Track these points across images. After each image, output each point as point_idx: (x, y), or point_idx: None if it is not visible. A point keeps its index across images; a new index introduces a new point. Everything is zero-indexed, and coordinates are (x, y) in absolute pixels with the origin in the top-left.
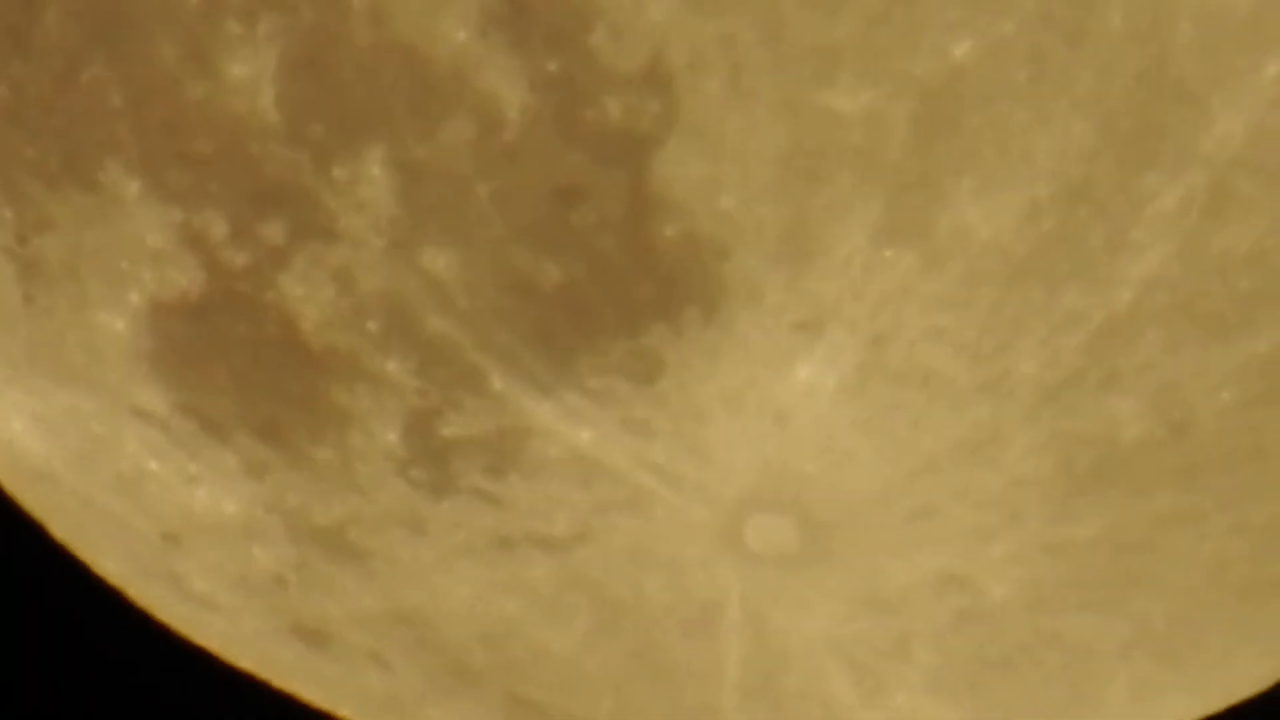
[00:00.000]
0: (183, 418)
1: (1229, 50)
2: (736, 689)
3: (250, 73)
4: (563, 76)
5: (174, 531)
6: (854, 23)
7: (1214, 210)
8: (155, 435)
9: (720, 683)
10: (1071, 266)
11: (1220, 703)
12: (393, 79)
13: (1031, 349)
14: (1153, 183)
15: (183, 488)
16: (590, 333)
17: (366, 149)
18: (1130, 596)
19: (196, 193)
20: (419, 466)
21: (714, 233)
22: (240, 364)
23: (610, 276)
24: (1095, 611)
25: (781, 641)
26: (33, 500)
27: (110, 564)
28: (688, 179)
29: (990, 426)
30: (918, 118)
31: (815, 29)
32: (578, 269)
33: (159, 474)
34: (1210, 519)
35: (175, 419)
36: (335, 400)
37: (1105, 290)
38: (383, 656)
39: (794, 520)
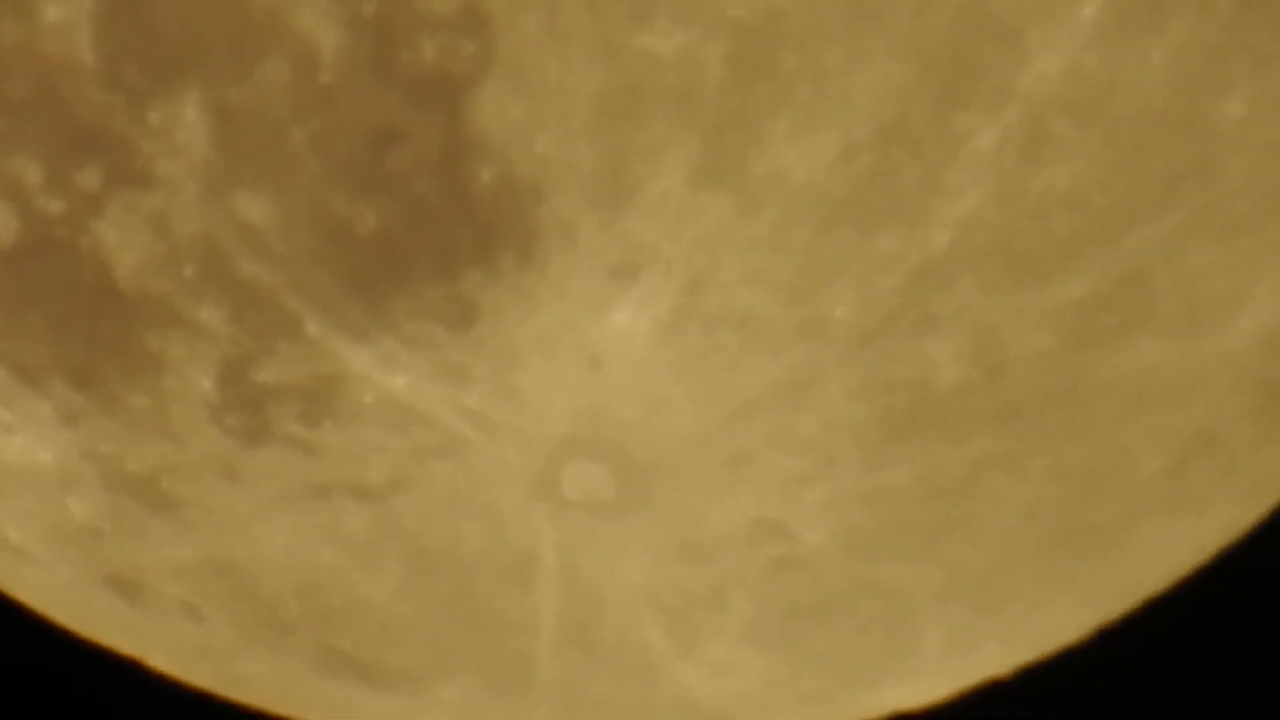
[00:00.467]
0: None
1: None
2: (552, 637)
3: (66, 15)
4: (379, 17)
5: None
6: None
7: (1030, 151)
8: None
9: (536, 631)
10: (887, 208)
11: (1036, 652)
12: (209, 20)
13: (847, 292)
14: (969, 122)
15: None
16: (406, 277)
17: (182, 92)
18: (946, 543)
19: (10, 138)
20: (233, 413)
21: (530, 175)
22: (54, 311)
23: (426, 220)
24: (911, 558)
25: (597, 589)
26: None
27: None
28: (504, 121)
29: (806, 370)
30: (733, 58)
31: None
32: (393, 213)
33: None
34: (1026, 463)
35: None
36: (149, 347)
37: (921, 232)
38: (196, 607)
39: (610, 467)
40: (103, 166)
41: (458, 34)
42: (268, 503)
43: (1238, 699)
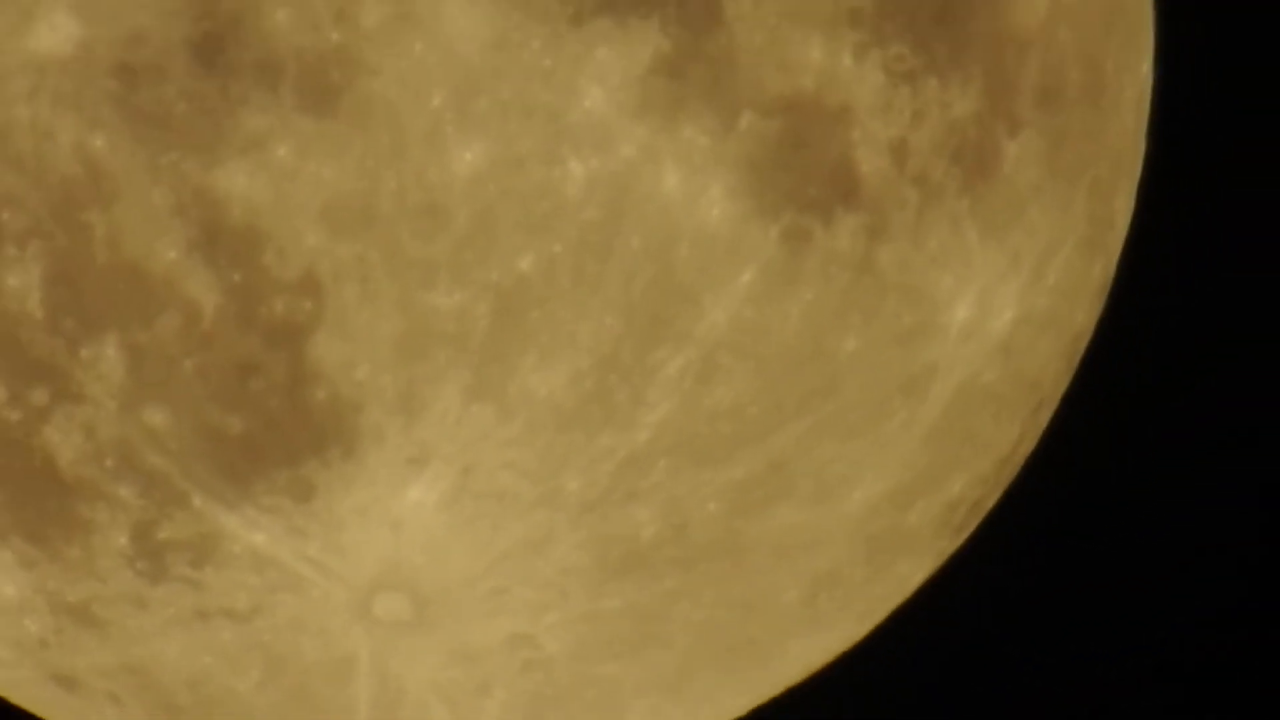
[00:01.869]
0: None
1: (716, 263)
2: (367, 716)
3: (21, 283)
4: (244, 283)
5: None
6: (448, 245)
7: (704, 376)
8: None
9: (355, 713)
10: (604, 416)
11: None
12: (123, 287)
13: (576, 475)
14: (662, 356)
15: None
16: (263, 466)
17: (104, 336)
18: (646, 651)
19: None
20: (142, 561)
21: (351, 395)
22: (13, 489)
23: (277, 426)
24: (622, 661)
25: (399, 684)
26: None
27: None
28: (333, 356)
29: (546, 529)
30: (495, 311)
31: (421, 249)
32: (254, 421)
33: None
34: (702, 595)
35: None
36: (81, 515)
37: (629, 433)
38: (117, 696)
39: (408, 596)
40: (49, 388)
41: (299, 295)
42: (165, 623)
43: None
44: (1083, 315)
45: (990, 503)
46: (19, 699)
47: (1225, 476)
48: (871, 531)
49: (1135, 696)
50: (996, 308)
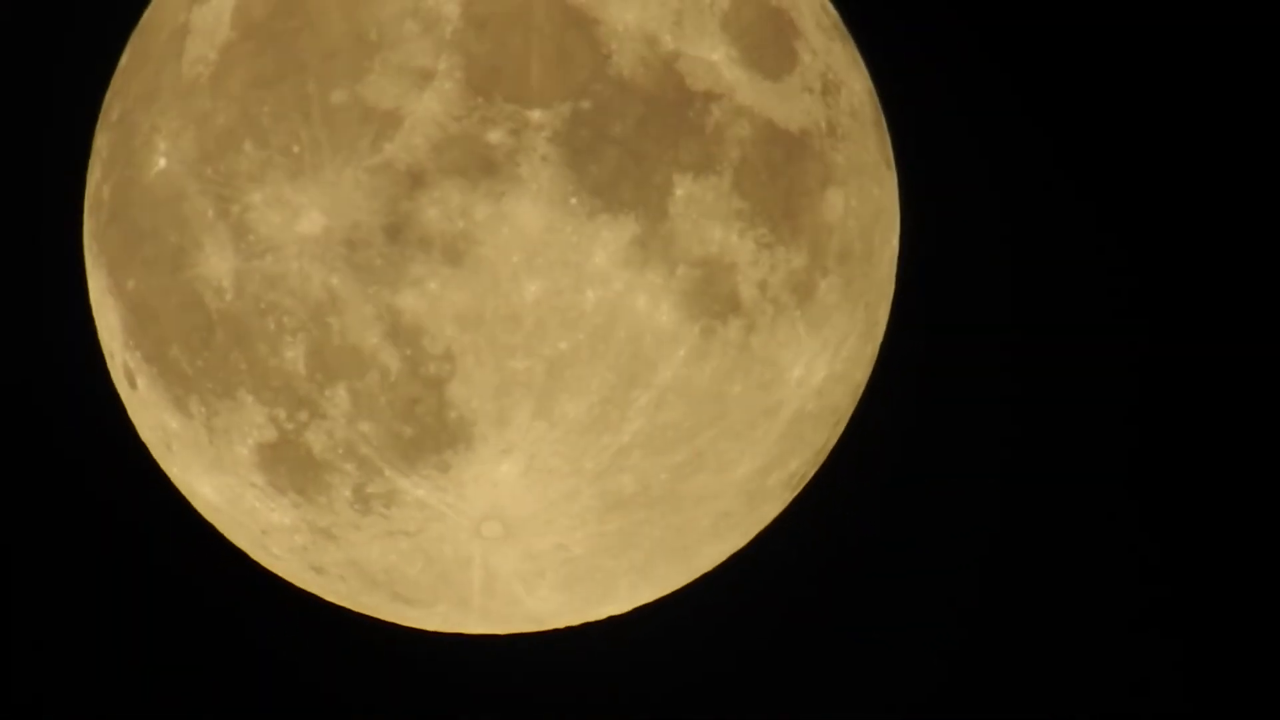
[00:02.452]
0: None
1: (664, 345)
2: (479, 589)
3: (294, 354)
4: (412, 356)
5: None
6: (521, 336)
7: (659, 406)
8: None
9: (471, 587)
10: (605, 427)
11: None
12: (348, 357)
13: (590, 459)
14: (636, 395)
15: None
16: (422, 453)
17: (338, 383)
18: (628, 552)
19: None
20: (358, 504)
21: (469, 416)
22: (289, 467)
23: (430, 433)
24: (614, 557)
25: (495, 571)
26: None
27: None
28: (460, 395)
29: (574, 488)
30: (547, 372)
31: (507, 338)
32: (418, 429)
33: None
34: (657, 523)
35: None
36: (325, 480)
37: (618, 436)
38: (344, 577)
39: (500, 523)
40: (308, 411)
41: (442, 361)
42: (370, 538)
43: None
44: (860, 374)
45: (812, 473)
46: (290, 578)
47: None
48: (749, 489)
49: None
50: (815, 370)
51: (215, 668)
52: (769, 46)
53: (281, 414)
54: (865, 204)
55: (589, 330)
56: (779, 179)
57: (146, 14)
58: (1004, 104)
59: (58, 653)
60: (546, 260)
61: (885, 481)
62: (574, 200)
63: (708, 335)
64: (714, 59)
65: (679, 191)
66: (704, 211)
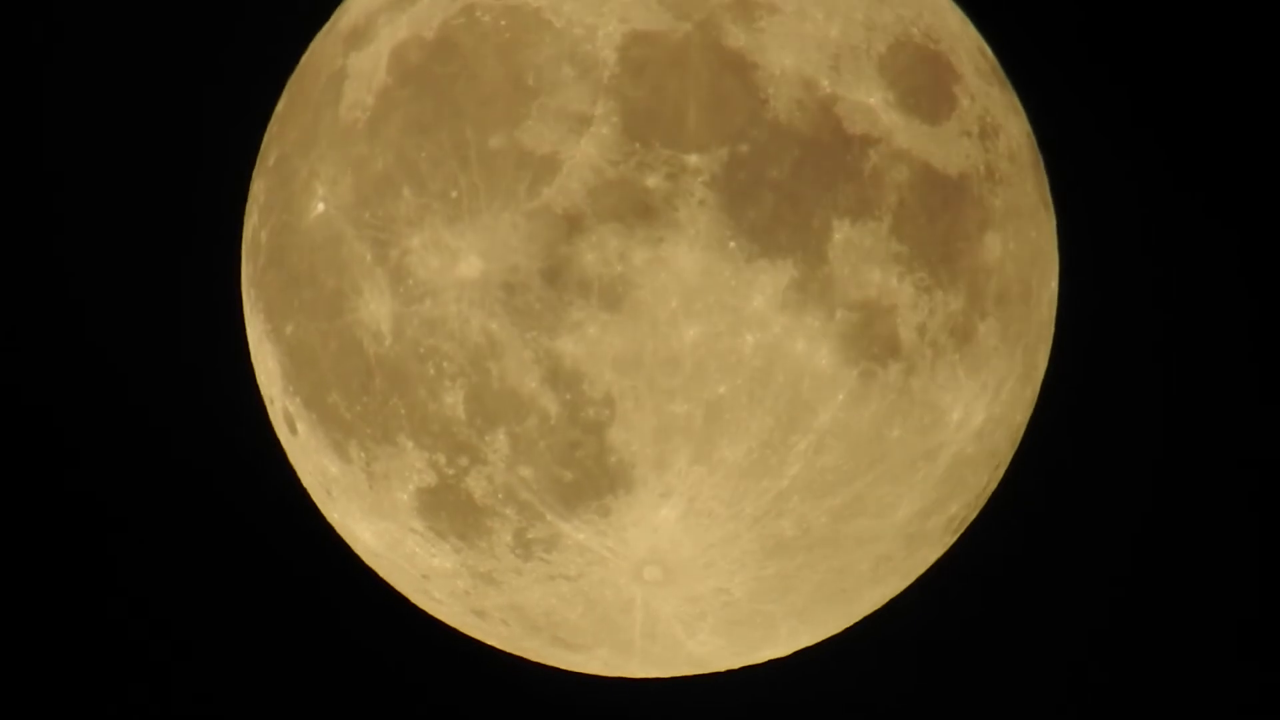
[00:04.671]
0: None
1: (823, 388)
2: (639, 632)
3: (453, 400)
4: (572, 400)
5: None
6: (680, 380)
7: (818, 450)
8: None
9: (633, 630)
10: (764, 471)
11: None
12: (507, 401)
13: (749, 503)
14: (795, 439)
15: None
16: (583, 498)
17: (498, 429)
18: (788, 596)
19: (432, 446)
20: (519, 549)
21: (629, 460)
22: (450, 513)
23: (590, 477)
24: (774, 602)
25: (656, 614)
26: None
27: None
28: (619, 440)
29: (733, 532)
30: (705, 416)
31: (666, 382)
32: (578, 473)
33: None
34: (818, 566)
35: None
36: (486, 525)
37: (777, 481)
38: (506, 621)
39: (661, 567)
40: (468, 457)
41: (602, 406)
42: (531, 582)
43: None
44: (1019, 416)
45: (972, 516)
46: (452, 622)
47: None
48: (909, 532)
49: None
50: (974, 413)
51: (377, 712)
52: (927, 90)
53: (441, 459)
54: (1023, 247)
55: (748, 374)
56: (937, 223)
57: (304, 59)
58: (1162, 147)
59: (223, 698)
60: (705, 304)
61: (1044, 524)
62: (732, 244)
63: (867, 379)
64: (871, 103)
65: (837, 235)
66: (862, 255)
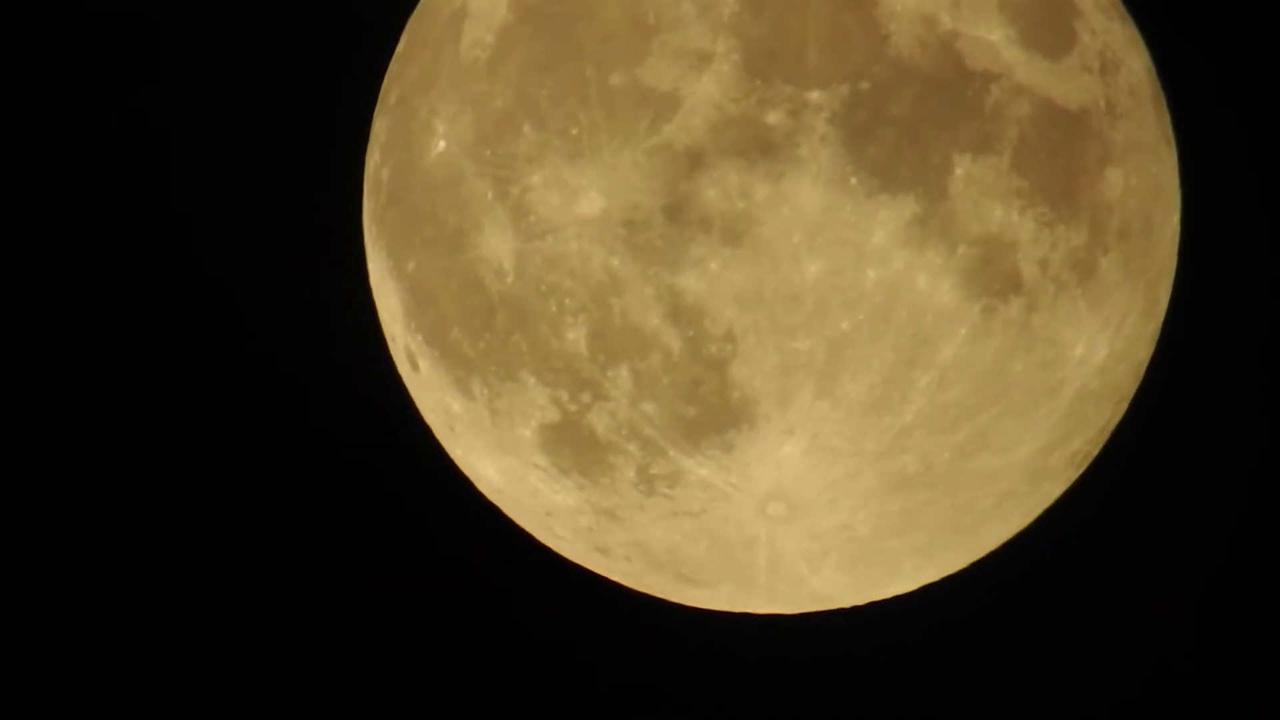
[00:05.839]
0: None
1: (945, 324)
2: (764, 568)
3: (575, 336)
4: (695, 337)
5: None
6: (802, 316)
7: (941, 386)
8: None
9: (756, 567)
10: (887, 407)
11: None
12: (630, 338)
13: (872, 440)
14: (917, 375)
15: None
16: (706, 433)
17: (620, 365)
18: (911, 533)
19: (553, 382)
20: (642, 485)
21: (752, 396)
22: (572, 450)
23: (713, 413)
24: (898, 538)
25: (780, 551)
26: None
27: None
28: (742, 376)
29: (856, 468)
30: (828, 352)
31: (788, 319)
32: (701, 410)
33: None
34: (941, 503)
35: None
36: (609, 461)
37: (900, 417)
38: (629, 558)
39: (785, 503)
40: (591, 393)
41: (724, 342)
42: (654, 518)
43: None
44: (1142, 352)
45: (1094, 451)
46: (576, 559)
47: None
48: (1032, 468)
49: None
50: (1097, 348)
51: (499, 648)
52: (1047, 26)
53: (564, 395)
54: (1144, 182)
55: (869, 310)
56: (1058, 158)
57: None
58: None
59: (341, 635)
60: (826, 240)
61: (1167, 460)
62: (853, 180)
63: (989, 314)
64: (992, 39)
65: (958, 171)
66: (984, 191)
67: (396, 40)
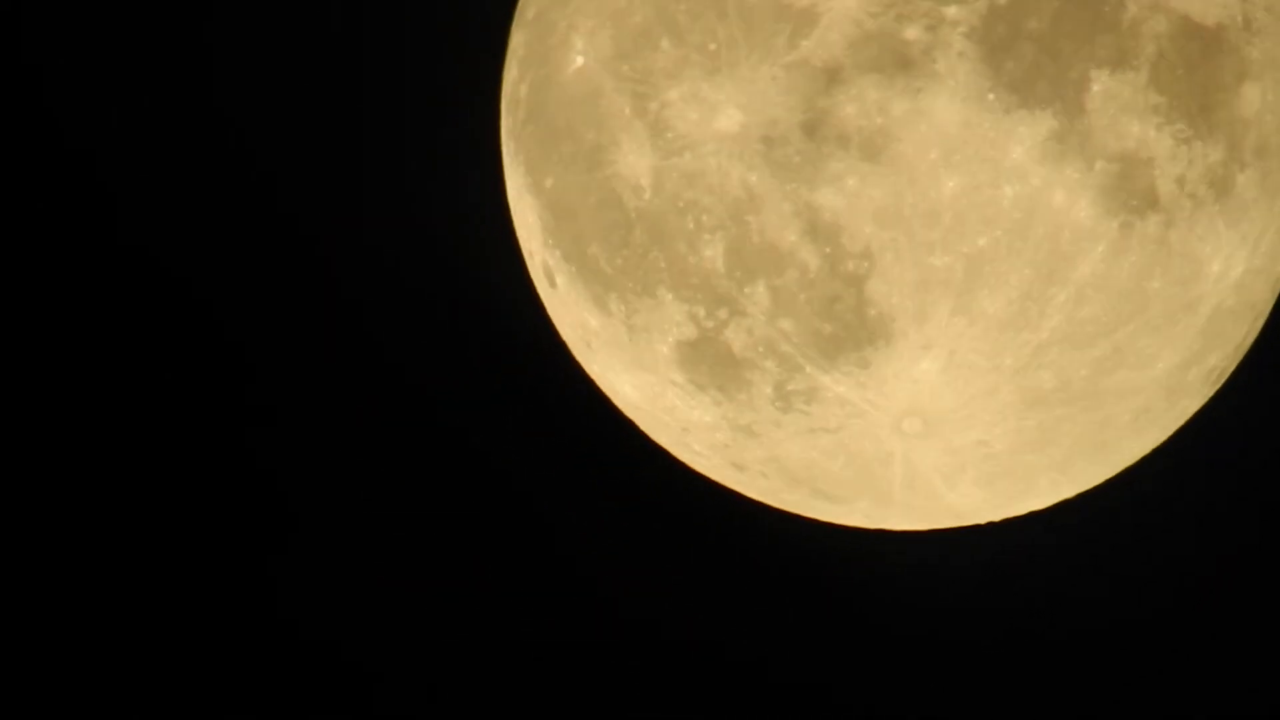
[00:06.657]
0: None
1: (1082, 240)
2: (900, 484)
3: (712, 253)
4: (832, 254)
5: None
6: (940, 232)
7: (1078, 302)
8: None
9: (892, 483)
10: (1024, 323)
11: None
12: (767, 254)
13: (1009, 355)
14: (1054, 291)
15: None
16: (843, 350)
17: (757, 281)
18: (1048, 448)
19: (692, 299)
20: (779, 401)
21: (889, 312)
22: (709, 365)
23: (850, 329)
24: (1034, 454)
25: (916, 467)
26: None
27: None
28: (879, 292)
29: (994, 384)
30: (965, 268)
31: (925, 235)
32: (838, 326)
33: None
34: (1078, 419)
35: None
36: (746, 377)
37: (1037, 333)
38: (765, 474)
39: (921, 419)
40: (728, 309)
41: (861, 259)
42: (791, 434)
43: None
44: (1279, 268)
45: (1232, 367)
46: (712, 475)
47: None
48: (1169, 384)
49: None
50: (1234, 264)
51: (637, 564)
52: None
53: (701, 312)
54: None
55: (1007, 226)
56: (1195, 74)
57: None
58: None
59: (485, 551)
60: (964, 156)
61: None
62: (991, 96)
63: (1126, 230)
64: None
65: (1096, 87)
66: (1121, 107)
67: None
